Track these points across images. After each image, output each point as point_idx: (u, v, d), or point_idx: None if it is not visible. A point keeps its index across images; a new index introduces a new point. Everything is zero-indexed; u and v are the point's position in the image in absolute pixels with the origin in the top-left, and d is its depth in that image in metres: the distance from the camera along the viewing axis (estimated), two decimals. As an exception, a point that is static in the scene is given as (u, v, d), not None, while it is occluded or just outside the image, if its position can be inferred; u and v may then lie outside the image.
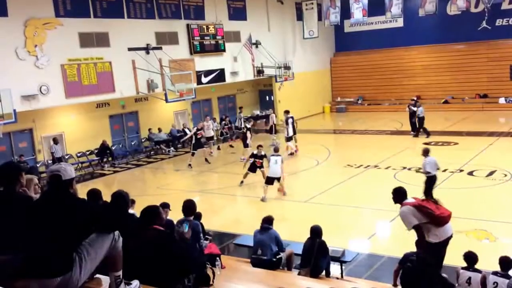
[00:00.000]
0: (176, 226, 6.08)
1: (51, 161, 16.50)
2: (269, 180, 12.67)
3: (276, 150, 13.58)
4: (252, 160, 13.63)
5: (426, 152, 11.02)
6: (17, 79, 14.67)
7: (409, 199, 6.49)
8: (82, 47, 16.63)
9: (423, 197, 9.35)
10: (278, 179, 12.66)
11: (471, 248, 6.47)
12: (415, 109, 19.68)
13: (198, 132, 17.51)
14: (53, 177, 3.41)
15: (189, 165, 17.18)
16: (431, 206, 6.24)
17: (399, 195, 6.61)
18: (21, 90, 14.82)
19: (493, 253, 6.71)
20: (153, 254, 4.01)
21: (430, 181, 10.90)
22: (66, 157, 17.31)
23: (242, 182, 14.08)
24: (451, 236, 6.38)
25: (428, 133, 19.30)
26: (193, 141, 17.36)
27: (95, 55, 17.00)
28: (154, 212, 4.43)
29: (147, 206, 4.53)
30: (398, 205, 11.47)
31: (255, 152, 13.66)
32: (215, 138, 19.68)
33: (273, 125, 19.77)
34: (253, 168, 13.61)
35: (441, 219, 6.19)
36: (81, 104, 17.42)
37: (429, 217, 6.11)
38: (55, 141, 16.40)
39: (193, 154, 17.39)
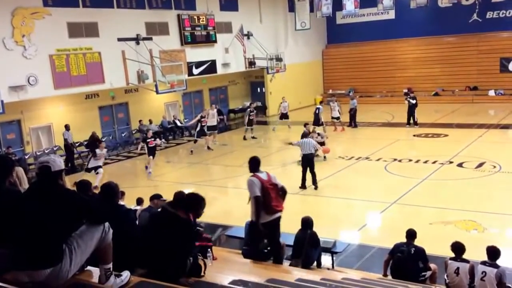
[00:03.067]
0: None
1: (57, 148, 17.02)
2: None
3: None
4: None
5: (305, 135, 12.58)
6: (5, 69, 14.46)
7: (261, 173, 6.38)
8: (71, 37, 16.42)
9: None
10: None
11: (460, 239, 6.53)
12: (413, 101, 19.77)
13: (203, 119, 17.77)
14: (42, 169, 3.37)
15: (191, 151, 17.68)
16: (273, 195, 6.27)
17: (253, 164, 6.49)
18: (8, 81, 14.64)
19: (481, 243, 6.71)
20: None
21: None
22: (55, 148, 17.14)
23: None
24: (274, 219, 6.33)
25: (414, 124, 19.68)
26: (198, 129, 17.81)
27: (84, 45, 16.81)
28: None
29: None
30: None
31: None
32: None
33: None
34: None
35: (272, 210, 6.25)
36: (70, 95, 17.21)
37: (265, 199, 6.21)
38: (67, 127, 16.48)
39: (195, 142, 17.87)
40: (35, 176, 3.46)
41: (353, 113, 20.73)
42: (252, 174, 6.39)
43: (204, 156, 17.60)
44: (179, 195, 4.88)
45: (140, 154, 18.70)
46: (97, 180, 13.18)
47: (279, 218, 6.37)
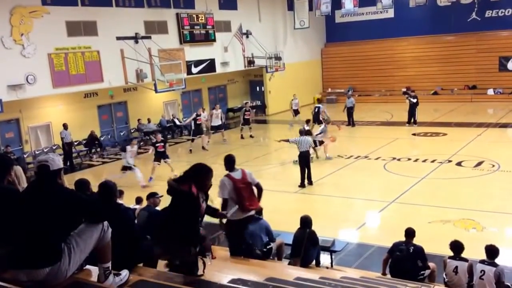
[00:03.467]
0: None
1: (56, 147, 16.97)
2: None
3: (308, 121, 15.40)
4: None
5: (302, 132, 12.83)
6: (3, 68, 14.41)
7: (236, 172, 6.32)
8: (70, 36, 16.36)
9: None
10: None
11: (458, 238, 6.52)
12: (414, 100, 19.77)
13: (198, 118, 17.85)
14: (41, 167, 3.37)
15: (190, 150, 17.74)
16: (246, 194, 6.24)
17: (227, 163, 6.43)
18: (7, 80, 14.58)
19: (480, 242, 6.75)
20: None
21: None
22: (54, 147, 17.11)
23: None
24: (246, 217, 6.34)
25: (414, 122, 19.76)
26: (193, 127, 17.95)
27: (83, 44, 16.75)
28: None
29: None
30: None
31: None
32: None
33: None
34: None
35: (246, 209, 6.26)
36: (69, 94, 17.17)
37: (238, 199, 6.20)
38: (65, 126, 16.39)
39: (192, 140, 17.98)
40: (34, 175, 3.45)
41: (351, 111, 20.70)
42: (226, 173, 6.32)
43: (203, 155, 17.57)
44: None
45: (138, 153, 18.68)
46: (138, 176, 13.50)
47: (250, 216, 6.39)
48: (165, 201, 7.26)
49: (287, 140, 13.34)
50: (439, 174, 13.04)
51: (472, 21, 25.76)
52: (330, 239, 7.43)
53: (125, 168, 13.75)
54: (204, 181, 4.37)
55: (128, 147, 13.87)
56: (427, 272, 6.49)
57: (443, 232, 8.88)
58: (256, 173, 15.25)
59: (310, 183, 12.62)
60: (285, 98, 21.30)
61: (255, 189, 6.35)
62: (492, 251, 5.98)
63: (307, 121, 15.55)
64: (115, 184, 4.61)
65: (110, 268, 3.56)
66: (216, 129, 19.03)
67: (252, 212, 6.41)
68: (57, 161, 3.44)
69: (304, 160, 12.46)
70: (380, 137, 18.32)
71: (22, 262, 3.18)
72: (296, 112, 21.27)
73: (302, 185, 12.50)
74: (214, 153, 17.89)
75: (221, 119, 19.34)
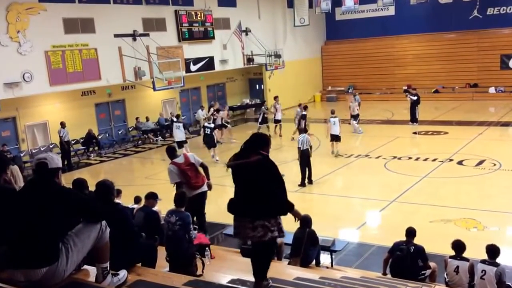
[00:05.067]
0: (166, 216, 5.91)
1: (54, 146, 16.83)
2: (333, 137, 15.13)
3: (333, 112, 15.51)
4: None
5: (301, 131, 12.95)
6: (-1, 66, 14.26)
7: (178, 158, 7.47)
8: (67, 33, 16.23)
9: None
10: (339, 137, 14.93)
11: (460, 237, 6.47)
12: (415, 98, 19.63)
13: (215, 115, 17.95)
14: (39, 165, 3.34)
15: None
16: (191, 174, 7.32)
17: (169, 153, 7.80)
18: (3, 78, 14.46)
19: (481, 241, 6.68)
20: None
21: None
22: (51, 146, 16.96)
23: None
24: (196, 194, 7.40)
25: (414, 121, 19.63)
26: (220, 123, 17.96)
27: (80, 41, 16.61)
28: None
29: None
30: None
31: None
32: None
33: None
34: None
35: (193, 186, 7.32)
36: (66, 92, 17.02)
37: (185, 180, 7.29)
38: (63, 125, 16.23)
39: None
40: (32, 173, 3.42)
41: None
42: (170, 161, 7.41)
43: (203, 154, 17.42)
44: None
45: (137, 152, 18.57)
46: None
47: (202, 192, 7.38)
48: (165, 203, 7.23)
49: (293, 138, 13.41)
50: (440, 173, 12.96)
51: (473, 19, 25.62)
52: (330, 239, 7.39)
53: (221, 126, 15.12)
54: (268, 147, 4.26)
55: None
56: (428, 272, 6.44)
57: (444, 232, 8.86)
58: None
59: (310, 182, 12.50)
60: (285, 97, 21.09)
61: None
62: (493, 251, 5.94)
63: (301, 105, 15.92)
64: (112, 183, 4.59)
65: (108, 268, 3.54)
66: (277, 122, 19.07)
67: (201, 189, 7.40)
68: (56, 159, 3.41)
69: (306, 158, 12.31)
70: (381, 136, 18.21)
71: (19, 261, 3.16)
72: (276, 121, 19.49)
73: (302, 184, 12.37)
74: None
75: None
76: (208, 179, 7.60)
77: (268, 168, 4.04)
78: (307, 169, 12.42)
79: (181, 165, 7.31)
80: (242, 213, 4.12)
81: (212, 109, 18.58)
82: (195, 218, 6.30)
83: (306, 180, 12.46)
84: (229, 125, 18.85)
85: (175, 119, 17.73)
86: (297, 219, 4.34)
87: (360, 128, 18.72)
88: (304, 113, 17.32)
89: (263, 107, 20.03)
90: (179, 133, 15.75)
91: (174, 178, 7.30)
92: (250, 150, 4.13)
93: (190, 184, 7.22)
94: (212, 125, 16.03)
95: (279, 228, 4.17)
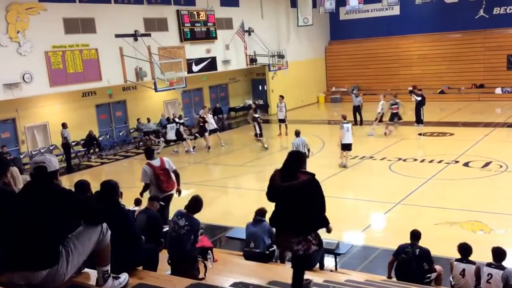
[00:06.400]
0: (175, 216, 5.72)
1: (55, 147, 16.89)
2: (345, 146, 13.89)
3: (345, 117, 14.37)
4: None
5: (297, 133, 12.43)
6: (-1, 66, 14.16)
7: (155, 160, 7.89)
8: (67, 33, 16.12)
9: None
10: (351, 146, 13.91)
11: (466, 240, 6.38)
12: (419, 98, 19.40)
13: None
14: (38, 169, 3.34)
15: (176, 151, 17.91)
16: (164, 178, 7.78)
17: (147, 153, 8.24)
18: (3, 78, 14.36)
19: (488, 244, 6.51)
20: None
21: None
22: (51, 148, 16.83)
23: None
24: (164, 196, 7.81)
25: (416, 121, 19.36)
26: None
27: (81, 41, 16.50)
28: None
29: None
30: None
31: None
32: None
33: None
34: None
35: (163, 190, 7.79)
36: (66, 93, 16.90)
37: (157, 183, 7.71)
38: (64, 125, 16.03)
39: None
40: (30, 176, 3.42)
41: (359, 111, 20.26)
42: (147, 162, 7.86)
43: (204, 156, 17.27)
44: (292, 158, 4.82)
45: (138, 153, 18.40)
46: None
47: (169, 195, 7.90)
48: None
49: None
50: (446, 175, 12.82)
51: (479, 18, 25.36)
52: (335, 242, 7.32)
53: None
54: (306, 163, 4.63)
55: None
56: (434, 275, 6.39)
57: (450, 234, 8.81)
58: (260, 174, 15.17)
59: None
60: (288, 98, 20.82)
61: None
62: (499, 254, 5.84)
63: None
64: (117, 183, 4.53)
65: (109, 271, 3.52)
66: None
67: (169, 193, 7.88)
68: (54, 162, 3.40)
69: None
70: (386, 137, 17.97)
71: (19, 264, 3.13)
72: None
73: None
74: (216, 153, 17.58)
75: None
76: (178, 185, 8.12)
77: (316, 188, 4.40)
78: None
79: (156, 168, 7.76)
80: (286, 228, 4.47)
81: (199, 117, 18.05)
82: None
83: None
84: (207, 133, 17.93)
85: (177, 120, 17.76)
86: (329, 231, 4.79)
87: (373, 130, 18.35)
88: None
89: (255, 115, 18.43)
90: (170, 133, 17.35)
91: (145, 179, 7.79)
92: (295, 170, 4.45)
93: (161, 187, 7.74)
94: (181, 121, 17.90)
95: (319, 241, 4.65)
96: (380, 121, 18.66)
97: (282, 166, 4.53)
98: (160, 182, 7.74)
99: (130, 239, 4.29)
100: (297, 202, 4.35)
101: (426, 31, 26.50)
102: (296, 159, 4.53)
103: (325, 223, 4.58)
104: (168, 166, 7.88)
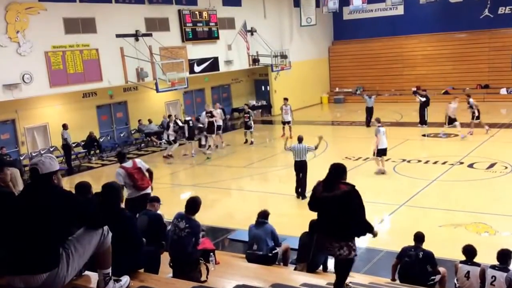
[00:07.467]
0: (175, 219, 5.70)
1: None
2: (381, 152, 13.15)
3: (379, 120, 13.77)
4: None
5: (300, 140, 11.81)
6: (-2, 67, 14.06)
7: (127, 162, 8.19)
8: (67, 33, 15.99)
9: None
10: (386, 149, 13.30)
11: (470, 242, 6.40)
12: (423, 99, 19.17)
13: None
14: (31, 171, 3.34)
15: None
16: (138, 177, 8.05)
17: (119, 158, 8.66)
18: (2, 79, 14.24)
19: (493, 246, 6.59)
20: None
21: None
22: (51, 149, 16.71)
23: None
24: (141, 194, 8.02)
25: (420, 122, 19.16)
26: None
27: (81, 42, 16.37)
28: None
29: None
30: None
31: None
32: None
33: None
34: None
35: (139, 188, 8.08)
36: (67, 93, 16.79)
37: (132, 182, 8.04)
38: (65, 126, 15.93)
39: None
40: (28, 178, 3.46)
41: (372, 112, 19.99)
42: (120, 165, 8.20)
43: (205, 156, 17.10)
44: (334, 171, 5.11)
45: (139, 155, 18.25)
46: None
47: (146, 193, 8.02)
48: (167, 207, 6.94)
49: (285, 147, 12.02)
50: (450, 177, 12.71)
51: (484, 18, 25.14)
52: None
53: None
54: (346, 174, 4.99)
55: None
56: (438, 277, 6.37)
57: (454, 236, 8.77)
58: (262, 175, 15.02)
59: (302, 196, 11.38)
60: (291, 98, 20.61)
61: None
62: (503, 255, 5.82)
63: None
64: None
65: (110, 274, 3.50)
66: (285, 123, 18.91)
67: (145, 191, 8.06)
68: (48, 163, 3.31)
69: (298, 169, 11.50)
70: (390, 138, 17.58)
71: (18, 267, 3.11)
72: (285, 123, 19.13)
73: (297, 195, 11.63)
74: (218, 155, 17.40)
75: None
76: (151, 182, 8.45)
77: (356, 198, 4.74)
78: (302, 181, 11.46)
79: (128, 168, 8.09)
80: (329, 234, 4.81)
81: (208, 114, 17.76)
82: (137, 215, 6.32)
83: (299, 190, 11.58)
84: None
85: (187, 118, 17.65)
86: (374, 236, 5.18)
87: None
88: None
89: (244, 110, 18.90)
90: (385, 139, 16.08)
91: (119, 181, 8.00)
92: (336, 181, 4.82)
93: (136, 185, 8.07)
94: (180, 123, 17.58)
95: (356, 247, 4.93)
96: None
97: (324, 178, 4.88)
98: (135, 180, 8.04)
99: (131, 242, 4.25)
100: (338, 211, 4.68)
101: (430, 31, 26.30)
102: (338, 171, 4.90)
103: (369, 229, 4.92)
104: (140, 165, 8.23)
